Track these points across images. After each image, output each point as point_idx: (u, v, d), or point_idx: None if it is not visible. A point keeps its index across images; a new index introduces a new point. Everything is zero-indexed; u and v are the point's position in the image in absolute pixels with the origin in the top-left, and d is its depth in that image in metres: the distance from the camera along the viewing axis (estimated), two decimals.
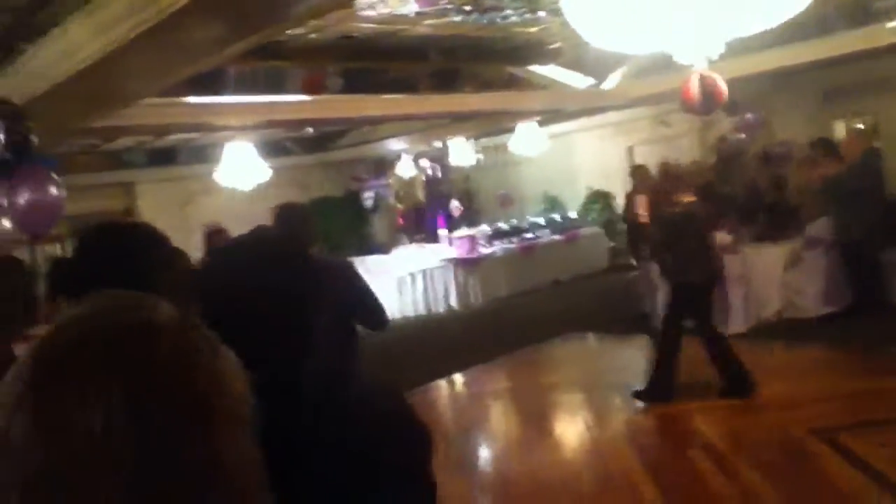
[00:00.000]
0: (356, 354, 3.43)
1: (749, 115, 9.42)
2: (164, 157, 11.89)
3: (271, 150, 12.39)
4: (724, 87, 5.18)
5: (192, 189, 11.96)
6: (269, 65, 7.22)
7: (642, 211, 8.09)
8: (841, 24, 7.59)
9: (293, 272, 1.18)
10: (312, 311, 1.17)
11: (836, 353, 6.54)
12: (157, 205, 11.48)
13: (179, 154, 11.94)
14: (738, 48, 4.65)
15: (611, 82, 8.89)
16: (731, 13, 3.29)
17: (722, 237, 7.56)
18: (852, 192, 7.10)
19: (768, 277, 7.50)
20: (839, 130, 9.51)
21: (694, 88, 5.07)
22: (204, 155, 11.09)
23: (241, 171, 9.20)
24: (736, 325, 7.34)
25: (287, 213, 3.50)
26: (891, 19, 7.26)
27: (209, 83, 7.14)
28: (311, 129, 12.16)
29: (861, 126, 8.22)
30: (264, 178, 9.32)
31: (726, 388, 5.55)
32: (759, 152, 9.50)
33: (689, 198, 5.86)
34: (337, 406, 1.15)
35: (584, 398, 6.28)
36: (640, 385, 5.76)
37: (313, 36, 6.57)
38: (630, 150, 12.65)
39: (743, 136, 9.43)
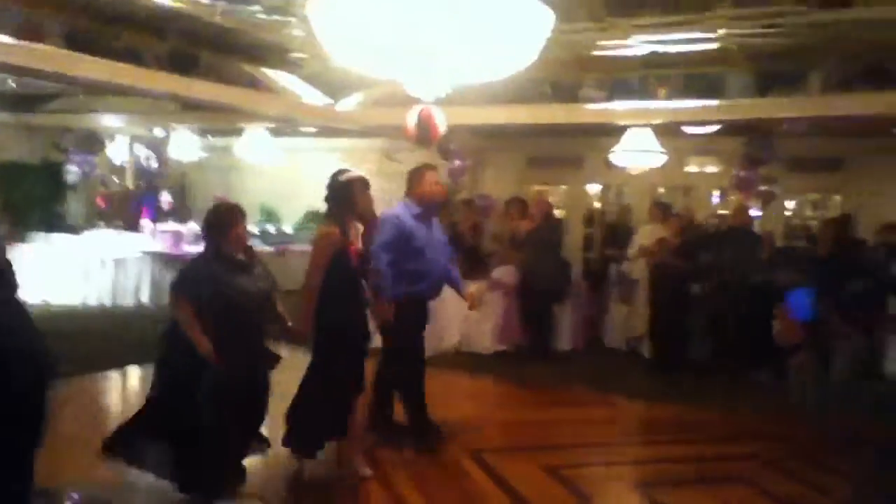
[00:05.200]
0: None
1: (456, 162, 10.22)
2: None
3: None
4: (440, 125, 5.55)
5: None
6: None
7: None
8: (553, 98, 8.56)
9: None
10: None
11: (502, 386, 7.24)
12: None
13: None
14: (460, 99, 5.01)
15: (346, 104, 9.08)
16: (460, 57, 3.44)
17: None
18: (539, 247, 7.99)
19: (453, 312, 8.06)
20: (532, 193, 10.69)
21: (412, 120, 5.39)
22: None
23: None
24: None
25: None
26: (592, 101, 8.33)
27: None
28: (13, 83, 10.78)
29: (544, 192, 9.43)
30: None
31: None
32: (465, 199, 10.33)
33: None
34: None
35: None
36: None
37: None
38: None
39: (450, 180, 10.16)
